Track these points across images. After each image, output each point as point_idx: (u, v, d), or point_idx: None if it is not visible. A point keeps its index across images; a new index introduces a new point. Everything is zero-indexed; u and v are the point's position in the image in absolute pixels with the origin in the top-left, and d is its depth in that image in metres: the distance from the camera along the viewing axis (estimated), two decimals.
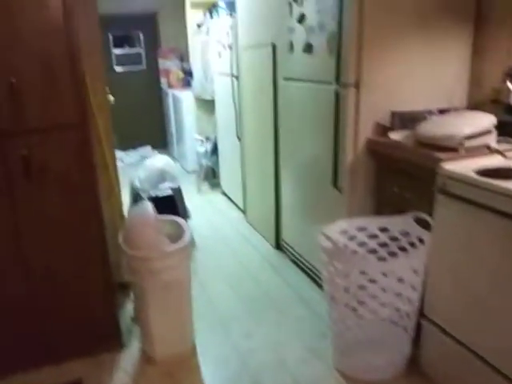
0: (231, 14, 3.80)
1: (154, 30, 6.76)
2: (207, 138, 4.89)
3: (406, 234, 2.18)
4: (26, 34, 1.91)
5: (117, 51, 6.70)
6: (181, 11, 5.76)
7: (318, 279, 2.83)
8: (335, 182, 2.45)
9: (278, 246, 3.40)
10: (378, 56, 2.28)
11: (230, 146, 4.23)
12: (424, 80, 2.39)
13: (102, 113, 2.69)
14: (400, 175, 2.20)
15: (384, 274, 1.88)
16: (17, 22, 1.89)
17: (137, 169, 3.80)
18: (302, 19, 2.62)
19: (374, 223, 2.26)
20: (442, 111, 2.37)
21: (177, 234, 2.45)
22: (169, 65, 6.49)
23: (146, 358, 2.31)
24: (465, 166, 1.84)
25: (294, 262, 3.14)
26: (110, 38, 6.58)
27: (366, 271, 1.91)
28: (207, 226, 3.99)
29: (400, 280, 1.91)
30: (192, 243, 2.31)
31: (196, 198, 4.68)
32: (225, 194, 4.69)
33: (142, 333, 2.36)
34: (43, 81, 1.97)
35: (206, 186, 5.03)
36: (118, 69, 6.72)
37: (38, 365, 2.25)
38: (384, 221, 2.24)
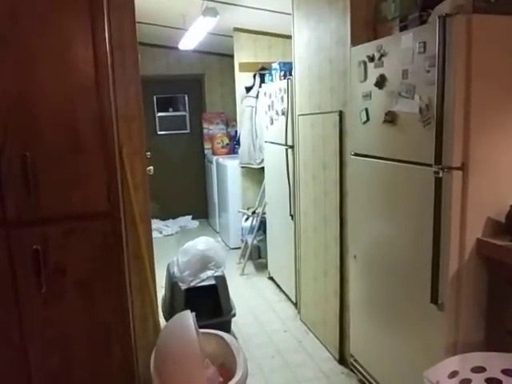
0: (287, 77, 3.35)
1: (200, 93, 6.48)
2: (253, 213, 4.35)
3: None
4: (45, 94, 1.46)
5: (160, 114, 6.44)
6: (229, 73, 5.46)
7: None
8: (434, 296, 1.81)
9: (343, 360, 2.70)
10: (491, 130, 1.71)
11: (281, 225, 3.66)
12: None
13: (140, 191, 2.21)
14: None
15: None
16: (38, 76, 1.45)
17: (175, 245, 3.27)
18: (381, 82, 2.10)
19: (495, 362, 1.59)
20: None
21: (223, 356, 1.85)
22: (214, 130, 6.16)
23: None
24: None
25: None
26: (155, 100, 6.34)
27: None
28: (253, 323, 3.34)
29: None
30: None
31: (238, 282, 4.08)
32: (272, 280, 4.06)
33: None
34: (65, 155, 1.50)
35: (250, 267, 4.43)
36: (161, 132, 6.42)
37: None
38: (510, 361, 1.57)
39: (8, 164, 1.47)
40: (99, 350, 1.61)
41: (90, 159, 1.51)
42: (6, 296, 1.50)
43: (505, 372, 1.56)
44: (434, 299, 1.80)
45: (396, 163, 2.03)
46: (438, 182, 1.74)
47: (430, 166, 1.76)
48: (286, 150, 3.36)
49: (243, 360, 1.73)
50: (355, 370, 2.54)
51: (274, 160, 3.78)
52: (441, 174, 1.72)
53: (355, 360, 2.53)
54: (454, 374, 1.58)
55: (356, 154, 2.37)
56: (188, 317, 1.77)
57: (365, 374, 2.43)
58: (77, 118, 1.46)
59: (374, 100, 2.17)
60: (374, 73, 2.14)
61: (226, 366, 1.86)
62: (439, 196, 1.74)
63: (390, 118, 2.04)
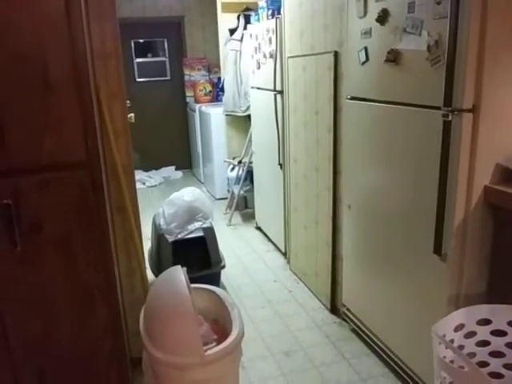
0: (275, 16, 3.12)
1: (180, 37, 6.13)
2: (239, 162, 4.20)
3: None
4: (7, 23, 1.26)
5: (139, 60, 6.09)
6: (210, 15, 5.15)
7: (396, 368, 2.10)
8: (437, 247, 1.72)
9: (335, 309, 2.67)
10: (506, 71, 1.57)
11: (269, 174, 3.54)
12: None
13: (121, 140, 2.04)
14: None
15: None
16: None
17: (159, 197, 3.14)
18: (383, 18, 1.92)
19: (501, 314, 1.53)
20: None
21: (216, 312, 1.77)
22: (195, 76, 5.88)
23: None
24: None
25: (359, 336, 2.41)
26: (132, 45, 5.98)
27: None
28: (242, 274, 3.27)
29: None
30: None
31: (225, 233, 3.99)
32: (260, 230, 3.98)
33: None
34: (35, 94, 1.31)
35: (237, 218, 4.33)
36: (140, 80, 6.10)
37: None
38: None
39: None
40: (83, 311, 1.49)
41: (62, 100, 1.32)
42: None
43: (511, 324, 1.51)
44: (438, 250, 1.72)
45: (397, 106, 1.89)
46: (447, 126, 1.61)
47: (438, 108, 1.63)
48: (275, 95, 3.18)
49: (238, 316, 1.64)
50: (347, 320, 2.51)
51: (261, 107, 3.60)
52: (450, 117, 1.59)
53: (347, 309, 2.49)
54: (459, 328, 1.52)
55: (352, 98, 2.22)
56: (179, 272, 1.66)
57: (357, 323, 2.40)
58: (45, 50, 1.26)
59: (375, 38, 2.00)
60: (375, 7, 1.96)
61: (220, 322, 1.78)
62: (447, 141, 1.62)
63: (393, 57, 1.88)
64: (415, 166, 1.83)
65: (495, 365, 1.56)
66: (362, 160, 2.22)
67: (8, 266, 1.39)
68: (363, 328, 2.35)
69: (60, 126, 1.33)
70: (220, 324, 1.78)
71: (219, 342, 1.56)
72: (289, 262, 3.31)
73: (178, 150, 6.26)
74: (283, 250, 3.41)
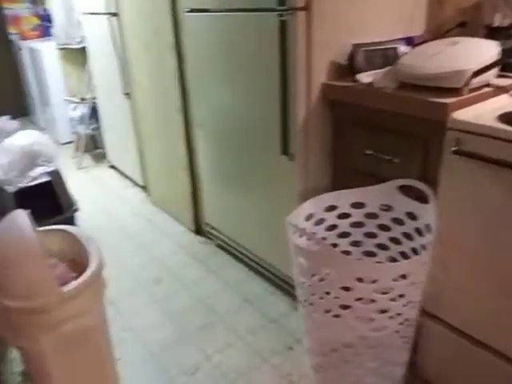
0: None
1: None
2: (82, 99, 3.89)
3: (388, 208, 1.64)
4: None
5: None
6: None
7: (262, 270, 2.23)
8: (284, 148, 1.80)
9: (199, 230, 2.70)
10: None
11: (116, 107, 3.33)
12: (384, 3, 1.81)
13: None
14: (375, 132, 1.62)
15: (395, 280, 1.32)
16: None
17: None
18: None
19: (344, 198, 1.68)
20: (409, 41, 1.83)
21: (71, 251, 1.65)
22: (18, 10, 5.16)
23: None
24: (479, 114, 1.32)
25: (225, 250, 2.49)
26: None
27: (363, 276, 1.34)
28: (99, 214, 3.12)
29: (412, 283, 1.37)
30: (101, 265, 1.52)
31: (77, 177, 3.73)
32: (114, 168, 3.80)
33: None
34: None
35: (87, 160, 4.06)
36: None
37: None
38: (357, 194, 1.67)
39: None
40: None
41: None
42: None
43: (353, 205, 1.67)
44: (285, 150, 1.81)
45: (235, 13, 1.87)
46: (283, 26, 1.64)
47: (274, 10, 1.65)
48: (109, 19, 2.94)
49: (96, 249, 1.55)
50: (212, 237, 2.57)
51: (96, 35, 3.31)
52: (285, 17, 1.62)
53: (212, 228, 2.55)
54: (310, 217, 1.64)
55: (192, 11, 2.14)
56: (18, 215, 1.50)
57: (222, 237, 2.47)
58: None
59: None
60: None
61: (78, 260, 1.67)
62: (284, 41, 1.66)
63: None
64: (259, 74, 1.85)
65: (343, 245, 1.73)
66: (208, 76, 2.19)
67: None
68: (228, 241, 2.43)
69: None
70: (79, 262, 1.67)
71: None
72: (149, 195, 3.23)
73: (8, 96, 5.56)
74: (141, 184, 3.32)
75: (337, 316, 1.44)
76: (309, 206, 1.64)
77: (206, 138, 2.37)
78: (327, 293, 1.43)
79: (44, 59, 4.32)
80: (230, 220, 2.38)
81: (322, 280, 1.43)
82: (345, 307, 1.40)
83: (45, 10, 4.79)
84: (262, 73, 1.83)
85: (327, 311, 1.46)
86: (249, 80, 1.93)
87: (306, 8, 1.60)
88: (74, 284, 1.40)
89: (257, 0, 1.74)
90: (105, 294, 1.52)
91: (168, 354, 1.88)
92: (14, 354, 1.74)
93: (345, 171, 1.81)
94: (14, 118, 5.50)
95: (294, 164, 1.81)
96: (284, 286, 2.10)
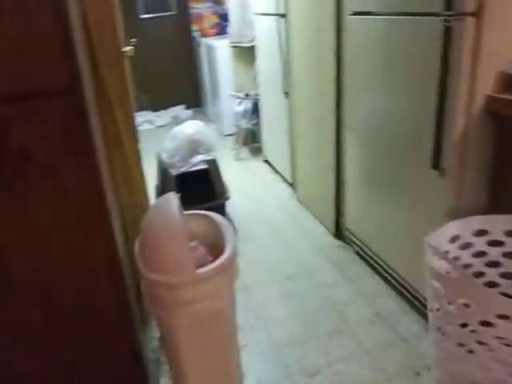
0: None
1: None
2: (247, 95, 4.13)
3: None
4: None
5: None
6: None
7: (397, 285, 2.13)
8: (436, 162, 1.69)
9: (340, 234, 2.68)
10: None
11: (275, 105, 3.47)
12: None
13: (115, 72, 1.98)
14: None
15: None
16: None
17: (167, 134, 3.12)
18: None
19: (498, 224, 1.51)
20: None
21: (213, 236, 1.78)
22: (202, 9, 5.67)
23: None
24: None
25: (363, 258, 2.43)
26: None
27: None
28: (249, 204, 3.30)
29: None
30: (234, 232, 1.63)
31: (234, 168, 3.99)
32: (267, 163, 3.96)
33: (174, 381, 1.75)
34: (9, 25, 1.26)
35: (245, 153, 4.31)
36: (144, 16, 5.92)
37: None
38: None
39: None
40: (78, 245, 1.48)
41: (41, 24, 1.26)
42: None
43: (508, 233, 1.50)
44: (436, 164, 1.69)
45: (400, 18, 1.80)
46: (448, 32, 1.53)
47: (438, 15, 1.54)
48: (278, 20, 3.06)
49: (232, 238, 1.66)
50: (351, 243, 2.53)
51: (265, 34, 3.47)
52: (451, 22, 1.51)
53: (352, 233, 2.51)
54: (455, 239, 1.52)
55: (355, 14, 2.11)
56: (170, 198, 1.66)
57: (361, 245, 2.42)
58: None
59: None
60: None
61: (217, 245, 1.80)
62: (448, 48, 1.54)
63: None
64: (417, 80, 1.76)
65: (491, 274, 1.56)
66: (365, 80, 2.15)
67: None
68: (366, 250, 2.37)
69: (41, 51, 1.29)
70: (218, 247, 1.80)
71: None
72: (295, 192, 3.31)
73: (186, 88, 6.17)
74: (290, 181, 3.41)
75: (471, 351, 1.32)
76: (455, 227, 1.52)
77: (355, 142, 2.33)
78: (463, 325, 1.31)
79: (218, 55, 4.68)
80: (370, 228, 2.31)
81: (458, 309, 1.32)
82: (481, 343, 1.27)
83: (223, 9, 5.18)
84: (420, 80, 1.73)
85: (461, 344, 1.34)
86: (404, 86, 1.84)
87: (477, 14, 1.47)
88: (208, 268, 1.52)
89: (422, 4, 1.65)
90: (236, 281, 1.62)
91: (291, 351, 1.92)
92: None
93: (505, 194, 1.63)
94: (188, 107, 6.16)
95: (444, 180, 1.68)
96: (419, 306, 1.98)
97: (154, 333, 2.05)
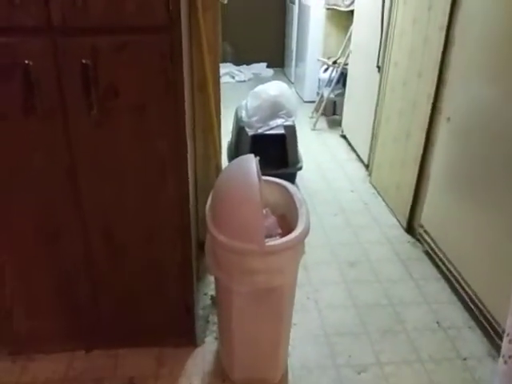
0: None
1: None
2: (334, 63, 3.92)
3: None
4: None
5: None
6: None
7: (466, 297, 1.97)
8: None
9: (411, 229, 2.51)
10: None
11: (365, 78, 3.26)
12: None
13: (208, 14, 1.91)
14: None
15: None
16: None
17: (246, 92, 3.02)
18: None
19: None
20: None
21: (284, 207, 1.70)
22: None
23: (221, 376, 1.68)
24: None
25: (432, 259, 2.27)
26: None
27: None
28: (319, 179, 3.17)
29: None
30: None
31: (309, 137, 3.84)
32: (345, 138, 3.78)
33: (222, 343, 1.74)
34: None
35: (322, 123, 4.14)
36: None
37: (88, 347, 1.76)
38: None
39: None
40: (153, 183, 1.48)
41: None
42: (55, 115, 1.35)
43: None
44: None
45: None
46: None
47: None
48: None
49: (306, 214, 1.56)
50: (422, 241, 2.36)
51: (367, 1, 3.23)
52: None
53: (425, 231, 2.34)
54: None
55: None
56: (251, 160, 1.58)
57: (433, 246, 2.25)
58: None
59: None
60: None
61: (287, 217, 1.73)
62: None
63: None
64: None
65: None
66: (475, 67, 1.92)
67: (84, 129, 1.38)
68: (438, 252, 2.20)
69: None
70: (287, 219, 1.72)
71: (283, 236, 1.52)
72: (370, 175, 3.14)
73: (271, 46, 5.98)
74: (366, 162, 3.24)
75: None
76: None
77: (449, 133, 2.13)
78: None
79: (311, 16, 4.46)
80: (448, 230, 2.13)
81: None
82: None
83: None
84: None
85: None
86: None
87: None
88: (277, 242, 1.45)
89: None
90: (301, 260, 1.54)
91: (341, 340, 1.84)
92: (211, 279, 1.93)
93: None
94: (270, 66, 5.99)
95: None
96: (487, 326, 1.81)
97: (207, 290, 2.04)
